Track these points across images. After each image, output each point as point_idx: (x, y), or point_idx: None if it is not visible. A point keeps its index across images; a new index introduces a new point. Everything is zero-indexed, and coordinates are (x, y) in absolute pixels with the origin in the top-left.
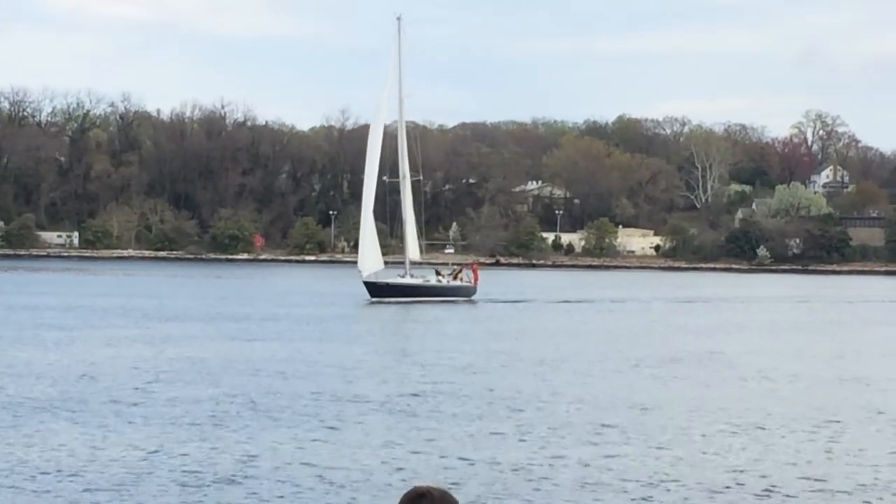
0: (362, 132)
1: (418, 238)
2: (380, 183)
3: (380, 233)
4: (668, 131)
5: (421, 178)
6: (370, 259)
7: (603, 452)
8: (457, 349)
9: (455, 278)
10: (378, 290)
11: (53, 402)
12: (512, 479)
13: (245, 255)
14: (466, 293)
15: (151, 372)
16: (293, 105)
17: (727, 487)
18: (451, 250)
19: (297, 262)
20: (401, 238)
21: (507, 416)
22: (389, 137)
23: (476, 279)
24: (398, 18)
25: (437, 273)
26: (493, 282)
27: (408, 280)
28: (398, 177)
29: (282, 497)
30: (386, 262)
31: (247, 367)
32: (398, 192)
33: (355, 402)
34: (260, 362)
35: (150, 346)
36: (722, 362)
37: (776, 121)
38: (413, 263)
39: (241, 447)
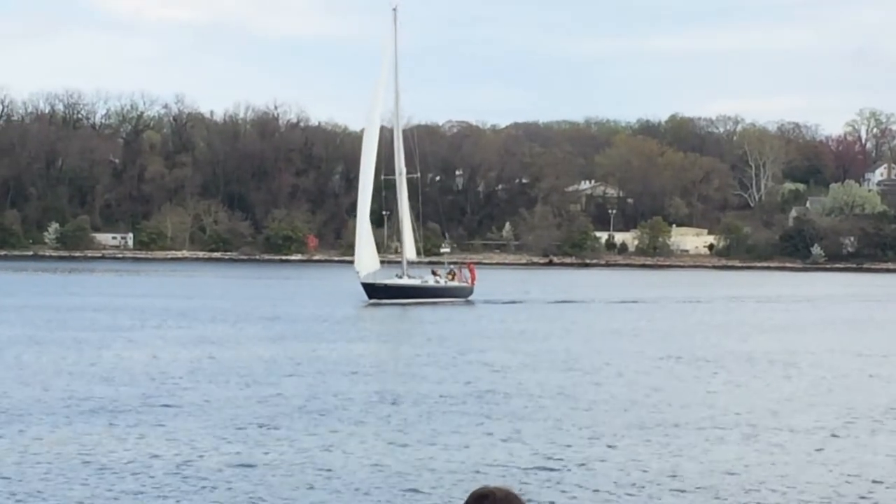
0: (416, 132)
1: (415, 237)
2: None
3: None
4: (721, 130)
5: (419, 175)
6: (366, 259)
7: (665, 452)
8: (508, 348)
9: (452, 279)
10: (376, 292)
11: (110, 403)
12: (570, 478)
13: (298, 256)
14: (464, 293)
15: (205, 372)
16: (346, 106)
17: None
18: (448, 249)
19: (350, 262)
20: (398, 237)
21: (566, 414)
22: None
23: (473, 279)
24: (394, 9)
25: (434, 273)
26: (545, 282)
27: (405, 281)
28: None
29: (339, 495)
30: (383, 262)
31: (289, 368)
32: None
33: (409, 403)
34: (298, 364)
35: (204, 346)
36: (784, 361)
37: (830, 119)
38: (410, 263)
39: (299, 447)
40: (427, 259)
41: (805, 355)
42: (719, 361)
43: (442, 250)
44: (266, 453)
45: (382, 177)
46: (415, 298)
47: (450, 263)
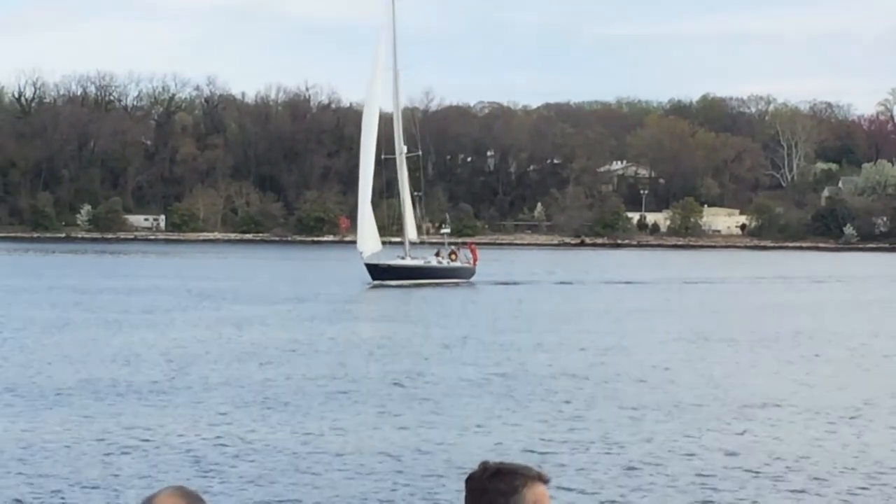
0: (446, 114)
1: (417, 217)
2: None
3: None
4: (753, 110)
5: (419, 153)
6: (369, 240)
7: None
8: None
9: (454, 259)
10: (380, 273)
11: (142, 385)
12: (593, 457)
13: (331, 237)
14: (466, 274)
15: (237, 353)
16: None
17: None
18: (448, 230)
19: (382, 243)
20: (400, 218)
21: (598, 394)
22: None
23: (475, 260)
24: None
25: (437, 254)
26: (578, 261)
27: (409, 262)
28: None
29: (382, 478)
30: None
31: (328, 348)
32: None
33: (447, 382)
34: (334, 344)
35: (239, 327)
36: (821, 340)
37: (862, 98)
38: (411, 244)
39: (320, 428)
40: (434, 240)
41: (838, 335)
42: (756, 341)
43: (442, 231)
44: (273, 433)
45: (383, 156)
46: (418, 279)
47: (450, 244)
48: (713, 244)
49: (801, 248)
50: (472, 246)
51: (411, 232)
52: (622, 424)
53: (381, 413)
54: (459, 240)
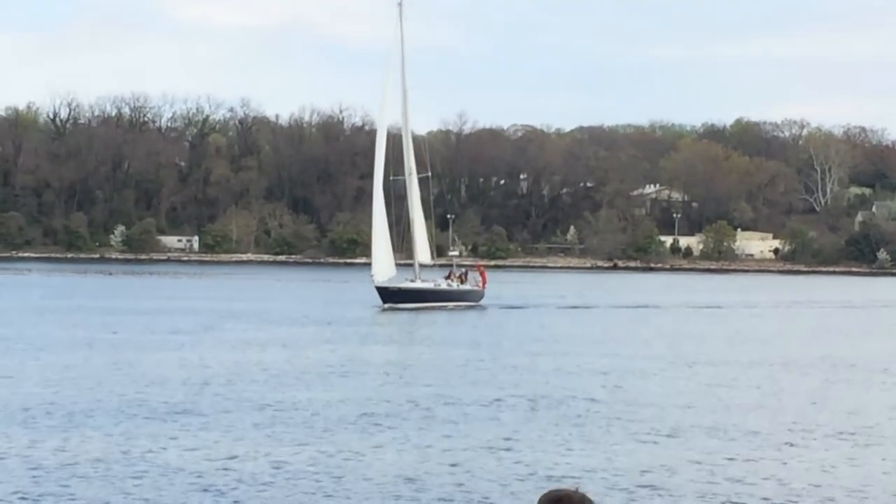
0: (481, 136)
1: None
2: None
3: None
4: (787, 134)
5: (430, 174)
6: (383, 264)
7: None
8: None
9: (462, 282)
10: (390, 296)
11: (175, 405)
12: (639, 482)
13: (364, 259)
14: (476, 297)
15: (274, 374)
16: (411, 109)
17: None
18: (457, 252)
19: (466, 266)
20: (410, 240)
21: (635, 418)
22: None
23: (484, 282)
24: (399, 4)
25: (447, 276)
26: (610, 285)
27: (419, 284)
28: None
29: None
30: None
31: (360, 370)
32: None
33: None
34: (367, 365)
35: (258, 349)
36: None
37: None
38: (422, 266)
39: (347, 450)
40: (453, 261)
41: (875, 360)
42: (798, 366)
43: (451, 253)
44: (300, 454)
45: (391, 178)
46: (428, 302)
47: (459, 266)
48: (746, 268)
49: (834, 272)
50: (482, 268)
51: (423, 255)
52: (633, 448)
53: (404, 435)
54: (472, 262)
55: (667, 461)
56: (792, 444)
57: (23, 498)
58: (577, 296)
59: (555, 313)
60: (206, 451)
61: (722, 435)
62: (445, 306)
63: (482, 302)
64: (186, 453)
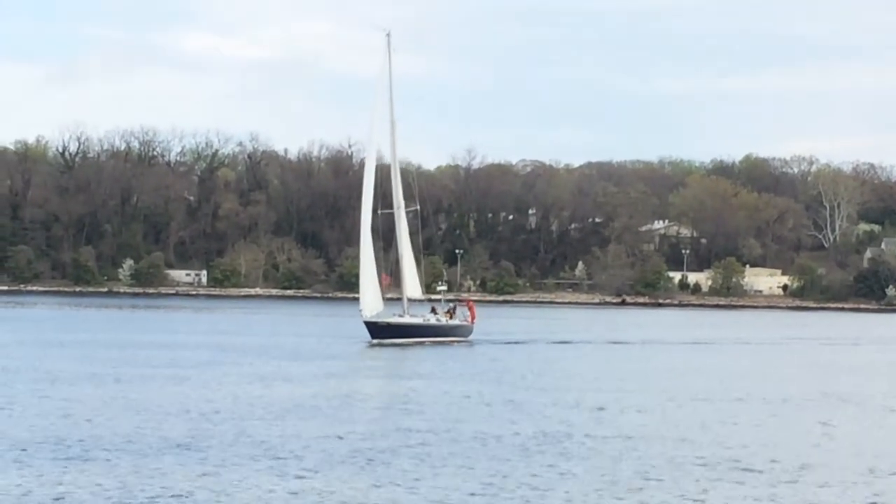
0: (489, 171)
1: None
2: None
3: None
4: (796, 170)
5: (418, 208)
6: (371, 298)
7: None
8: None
9: (450, 317)
10: (379, 331)
11: (154, 441)
12: None
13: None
14: (465, 333)
15: (292, 408)
16: (419, 144)
17: None
18: (445, 287)
19: (454, 300)
20: (398, 274)
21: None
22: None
23: (473, 317)
24: (387, 35)
25: (433, 311)
26: (620, 321)
27: (408, 319)
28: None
29: None
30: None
31: (372, 405)
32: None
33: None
34: (370, 400)
35: (289, 382)
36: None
37: None
38: (410, 301)
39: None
40: (441, 296)
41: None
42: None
43: (439, 288)
44: (323, 492)
45: (380, 211)
46: (417, 337)
47: (447, 301)
48: (755, 304)
49: (842, 309)
50: (471, 303)
51: (411, 289)
52: (678, 485)
53: (400, 472)
54: (462, 297)
55: (665, 496)
56: (790, 482)
57: None
58: (567, 331)
59: (545, 349)
60: (194, 487)
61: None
62: (435, 341)
63: (471, 337)
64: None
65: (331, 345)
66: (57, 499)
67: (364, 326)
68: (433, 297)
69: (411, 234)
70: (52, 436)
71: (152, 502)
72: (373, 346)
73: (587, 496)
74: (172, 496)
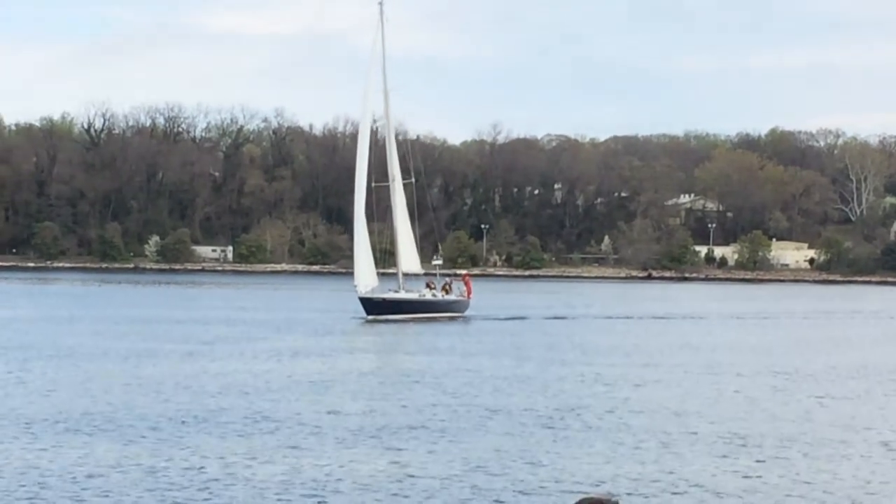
0: (514, 146)
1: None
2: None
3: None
4: (822, 143)
5: (413, 180)
6: (365, 274)
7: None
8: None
9: (446, 292)
10: (374, 307)
11: (209, 416)
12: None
13: (393, 269)
14: (462, 308)
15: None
16: (445, 119)
17: None
18: (440, 261)
19: (449, 275)
20: (393, 248)
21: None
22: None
23: (469, 292)
24: (380, 4)
25: (428, 286)
26: (646, 296)
27: (404, 295)
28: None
29: None
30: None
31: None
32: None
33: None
34: (403, 375)
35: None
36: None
37: None
38: (406, 275)
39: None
40: (436, 270)
41: None
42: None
43: (434, 262)
44: (343, 466)
45: (374, 183)
46: (413, 313)
47: (442, 276)
48: (781, 278)
49: (869, 282)
50: (467, 278)
51: (407, 263)
52: (693, 458)
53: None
54: (457, 272)
55: (691, 469)
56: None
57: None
58: (564, 306)
59: (540, 324)
60: (181, 463)
61: (751, 443)
62: (430, 317)
63: (467, 313)
64: (160, 463)
65: (338, 320)
66: (67, 472)
67: (359, 302)
68: (430, 272)
69: (409, 207)
70: (63, 410)
71: (166, 476)
72: (368, 322)
73: (602, 466)
74: (185, 469)
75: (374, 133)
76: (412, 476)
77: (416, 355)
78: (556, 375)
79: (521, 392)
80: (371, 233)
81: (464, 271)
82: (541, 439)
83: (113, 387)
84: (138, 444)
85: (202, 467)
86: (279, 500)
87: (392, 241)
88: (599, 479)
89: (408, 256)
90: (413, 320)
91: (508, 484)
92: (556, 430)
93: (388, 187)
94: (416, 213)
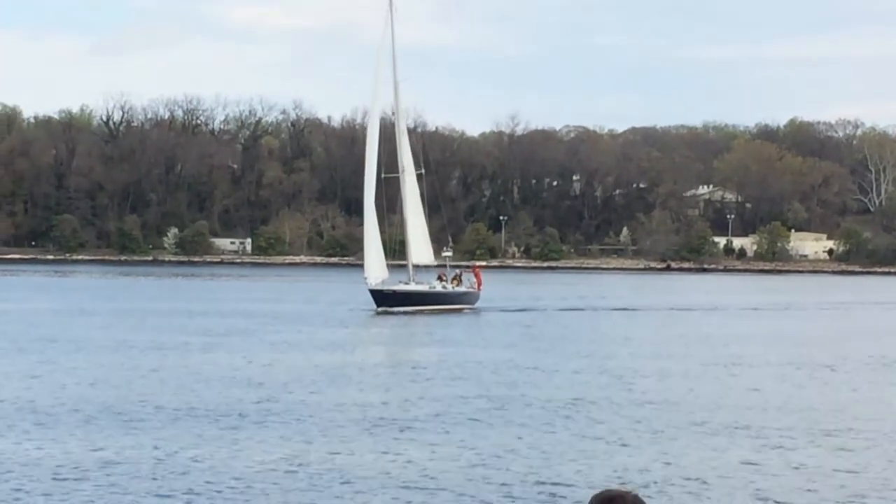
0: (533, 138)
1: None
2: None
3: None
4: (841, 134)
5: (423, 171)
6: (375, 266)
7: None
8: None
9: (457, 284)
10: (384, 299)
11: (219, 407)
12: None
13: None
14: (472, 300)
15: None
16: (463, 111)
17: None
18: (450, 253)
19: (460, 267)
20: (402, 239)
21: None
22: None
23: (479, 284)
24: None
25: (440, 278)
26: (663, 287)
27: (414, 287)
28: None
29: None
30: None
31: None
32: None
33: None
34: (421, 369)
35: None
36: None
37: None
38: (417, 267)
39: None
40: (446, 262)
41: None
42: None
43: (444, 254)
44: (353, 455)
45: (383, 175)
46: (424, 305)
47: (452, 267)
48: (800, 269)
49: (889, 273)
50: (477, 270)
51: (418, 255)
52: (712, 449)
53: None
54: (470, 264)
55: (708, 461)
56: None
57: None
58: (577, 298)
59: (552, 316)
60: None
61: (766, 435)
62: (441, 309)
63: (477, 305)
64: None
65: (350, 312)
66: (77, 465)
67: (369, 294)
68: (441, 264)
69: (423, 199)
70: (79, 402)
71: (180, 466)
72: (378, 314)
73: (620, 459)
74: (198, 460)
75: (386, 124)
76: (424, 467)
77: (424, 347)
78: (568, 367)
79: (530, 383)
80: (389, 225)
81: (475, 263)
82: (557, 431)
83: (129, 378)
84: (148, 434)
85: (212, 457)
86: (291, 490)
87: (403, 233)
88: (616, 471)
89: (419, 248)
90: (422, 312)
91: (522, 476)
92: (571, 422)
93: (399, 179)
94: (428, 204)
